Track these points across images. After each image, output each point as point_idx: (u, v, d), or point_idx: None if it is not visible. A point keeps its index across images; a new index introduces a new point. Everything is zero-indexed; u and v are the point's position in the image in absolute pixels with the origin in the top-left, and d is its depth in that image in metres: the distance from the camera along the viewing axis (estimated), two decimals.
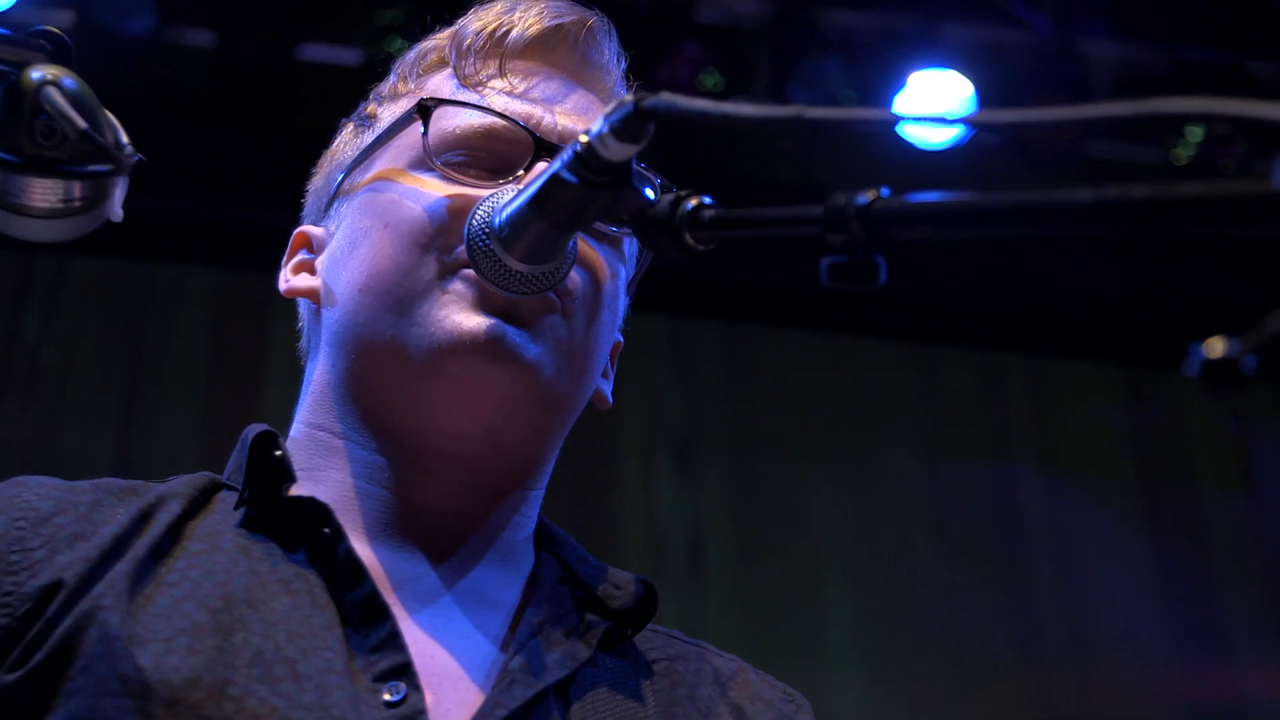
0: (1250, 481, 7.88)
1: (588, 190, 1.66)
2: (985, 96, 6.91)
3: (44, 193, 1.56)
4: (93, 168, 1.56)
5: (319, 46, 6.84)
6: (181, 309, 7.10)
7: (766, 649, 6.58)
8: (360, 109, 2.24)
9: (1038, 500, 7.60)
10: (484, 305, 1.89)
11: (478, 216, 1.83)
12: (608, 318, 2.04)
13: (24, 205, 1.57)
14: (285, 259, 2.18)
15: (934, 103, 6.84)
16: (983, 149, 7.21)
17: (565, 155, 1.66)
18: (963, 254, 6.96)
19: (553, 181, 1.68)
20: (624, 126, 1.59)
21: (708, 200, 1.61)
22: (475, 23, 2.13)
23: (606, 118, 1.60)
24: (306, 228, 2.19)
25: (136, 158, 1.58)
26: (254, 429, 1.99)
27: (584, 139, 1.63)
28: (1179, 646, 7.36)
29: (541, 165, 1.92)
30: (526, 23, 2.11)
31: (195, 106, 6.96)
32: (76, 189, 1.57)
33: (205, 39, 6.75)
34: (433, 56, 2.17)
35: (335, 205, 2.13)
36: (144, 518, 1.85)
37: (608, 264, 2.03)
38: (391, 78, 2.22)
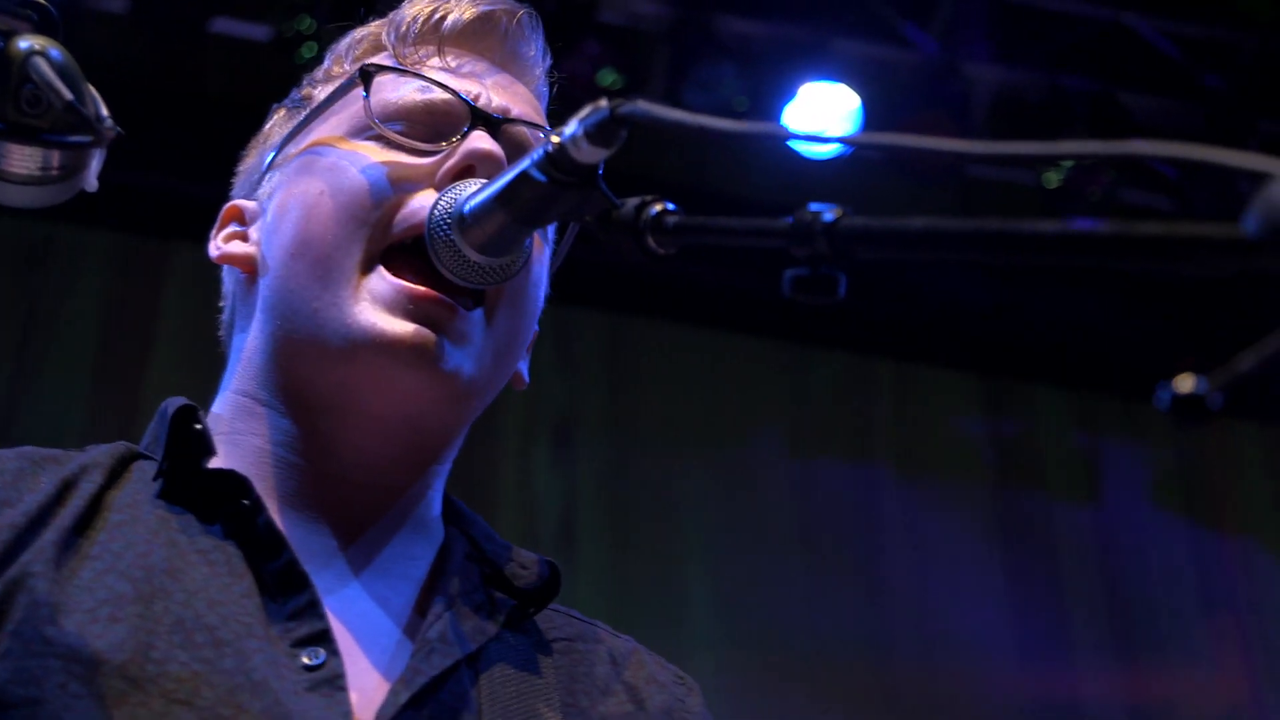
0: (1097, 494, 8.07)
1: (555, 189, 1.66)
2: (871, 111, 7.04)
3: (23, 159, 1.56)
4: (74, 138, 1.55)
5: (229, 20, 6.81)
6: (78, 269, 7.06)
7: (630, 628, 6.69)
8: (293, 93, 2.21)
9: (896, 501, 7.73)
10: (404, 310, 1.88)
11: (440, 205, 1.83)
12: (531, 309, 2.05)
13: (3, 170, 1.56)
14: (215, 231, 2.15)
15: (822, 114, 6.96)
16: (864, 161, 7.35)
17: (535, 154, 1.67)
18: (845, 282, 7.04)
19: (521, 178, 1.69)
20: (598, 131, 1.59)
21: (671, 206, 1.63)
22: (411, 9, 2.14)
23: (581, 121, 1.61)
24: (238, 201, 2.16)
25: (116, 131, 1.57)
26: (174, 402, 1.96)
27: (556, 139, 1.64)
28: (1023, 649, 7.52)
29: (481, 133, 1.97)
30: (461, 9, 2.12)
31: (103, 71, 6.88)
32: (55, 158, 1.57)
33: (118, 5, 6.71)
34: (368, 42, 2.17)
35: (268, 178, 2.11)
36: (66, 487, 1.83)
37: (538, 253, 2.04)
38: (326, 62, 2.21)
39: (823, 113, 6.97)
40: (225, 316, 2.17)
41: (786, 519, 7.52)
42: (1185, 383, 1.08)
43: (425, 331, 1.87)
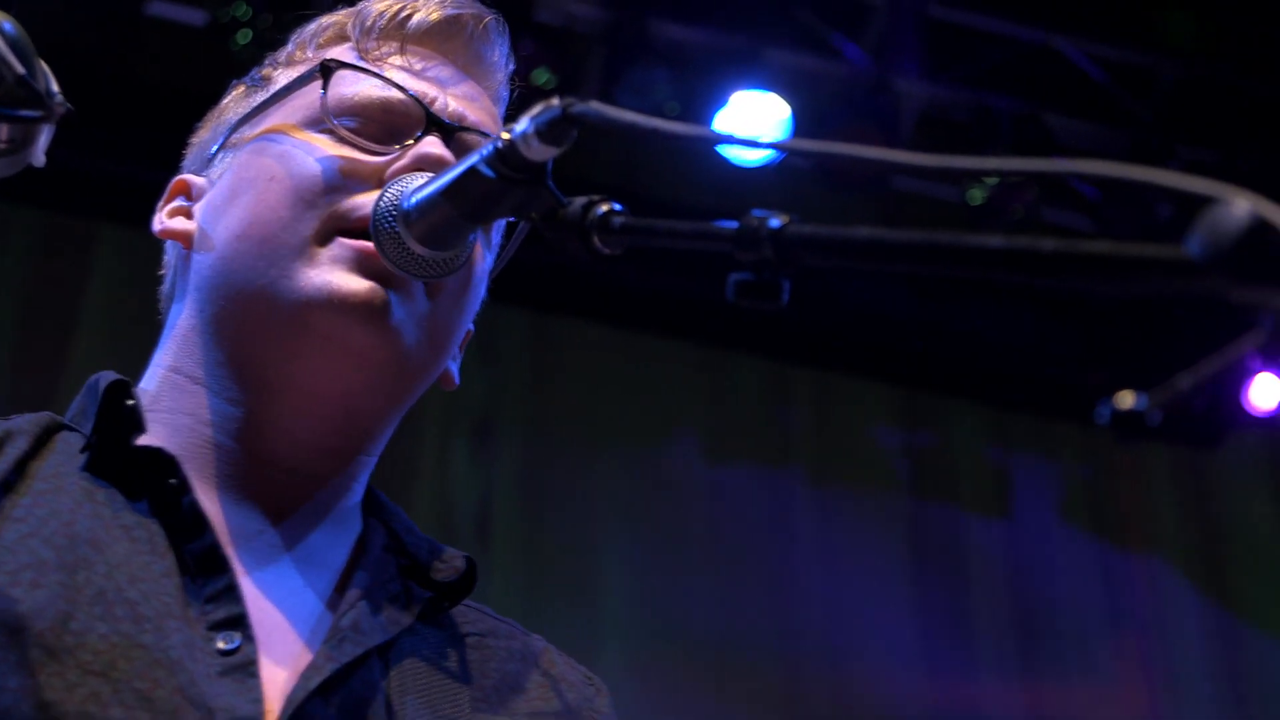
0: (1008, 509, 8.14)
1: (503, 186, 1.66)
2: (801, 121, 7.08)
3: None
4: (24, 112, 1.53)
5: (166, 4, 6.80)
6: (2, 247, 7.01)
7: (544, 623, 6.70)
8: (254, 72, 2.19)
9: (809, 508, 7.77)
10: (360, 269, 1.87)
11: (386, 197, 1.82)
12: (471, 301, 2.04)
13: None
14: (161, 203, 2.12)
15: (752, 122, 6.99)
16: (792, 171, 7.40)
17: (485, 150, 1.66)
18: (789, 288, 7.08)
19: (469, 173, 1.68)
20: (550, 129, 1.59)
21: (618, 207, 1.62)
22: (379, 3, 2.13)
23: (533, 118, 1.61)
24: (187, 176, 2.13)
25: (66, 107, 1.56)
26: (106, 376, 1.94)
27: (506, 136, 1.63)
28: (928, 659, 7.58)
29: (433, 139, 1.97)
30: (429, 9, 2.11)
31: (39, 51, 6.84)
32: (4, 131, 1.56)
33: None
34: (332, 30, 2.15)
35: (220, 157, 2.09)
36: None
37: (481, 250, 2.03)
38: (289, 46, 2.18)
39: (753, 121, 7.00)
40: (165, 287, 2.15)
41: (701, 521, 7.56)
42: (1126, 399, 1.10)
43: (378, 287, 1.87)
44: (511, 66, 2.20)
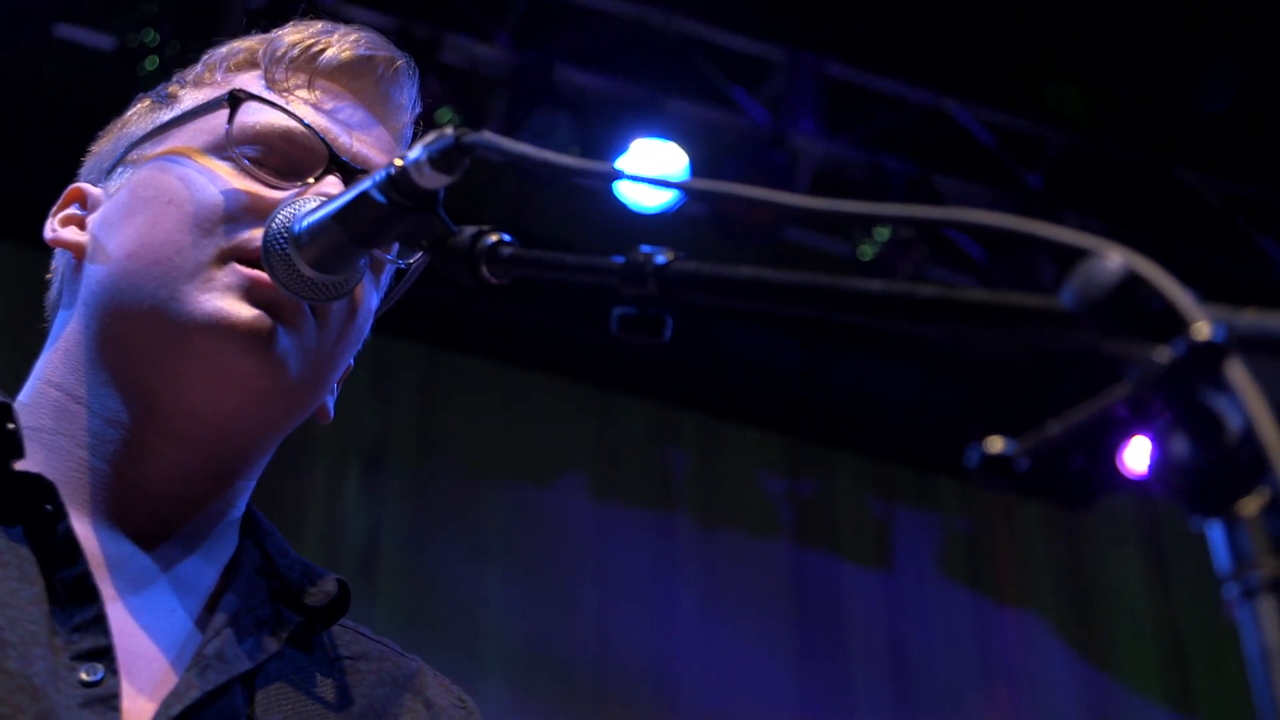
0: (888, 559, 8.19)
1: (394, 211, 1.65)
2: (698, 171, 7.11)
3: None
4: None
5: (73, 27, 6.73)
6: None
7: (428, 651, 6.66)
8: (160, 88, 2.15)
9: (693, 551, 7.78)
10: (250, 297, 1.85)
11: (278, 219, 1.80)
12: (355, 338, 2.01)
13: None
14: (54, 210, 2.09)
15: (651, 170, 7.01)
16: (687, 218, 7.42)
17: (378, 175, 1.66)
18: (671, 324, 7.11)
19: (361, 198, 1.68)
20: (442, 158, 1.59)
21: (507, 238, 1.62)
22: (292, 35, 2.11)
23: (426, 147, 1.60)
24: (83, 185, 2.10)
25: None
26: None
27: (399, 163, 1.63)
28: (804, 702, 7.59)
29: (333, 179, 1.93)
30: (341, 46, 2.09)
31: None
32: None
33: None
34: (243, 55, 2.12)
35: (119, 171, 2.06)
36: None
37: (368, 288, 2.01)
38: (199, 66, 2.15)
39: (651, 168, 7.03)
40: (51, 295, 2.11)
41: (585, 558, 7.55)
42: (995, 444, 1.10)
43: (265, 316, 1.85)
44: (418, 109, 2.19)
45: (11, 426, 1.85)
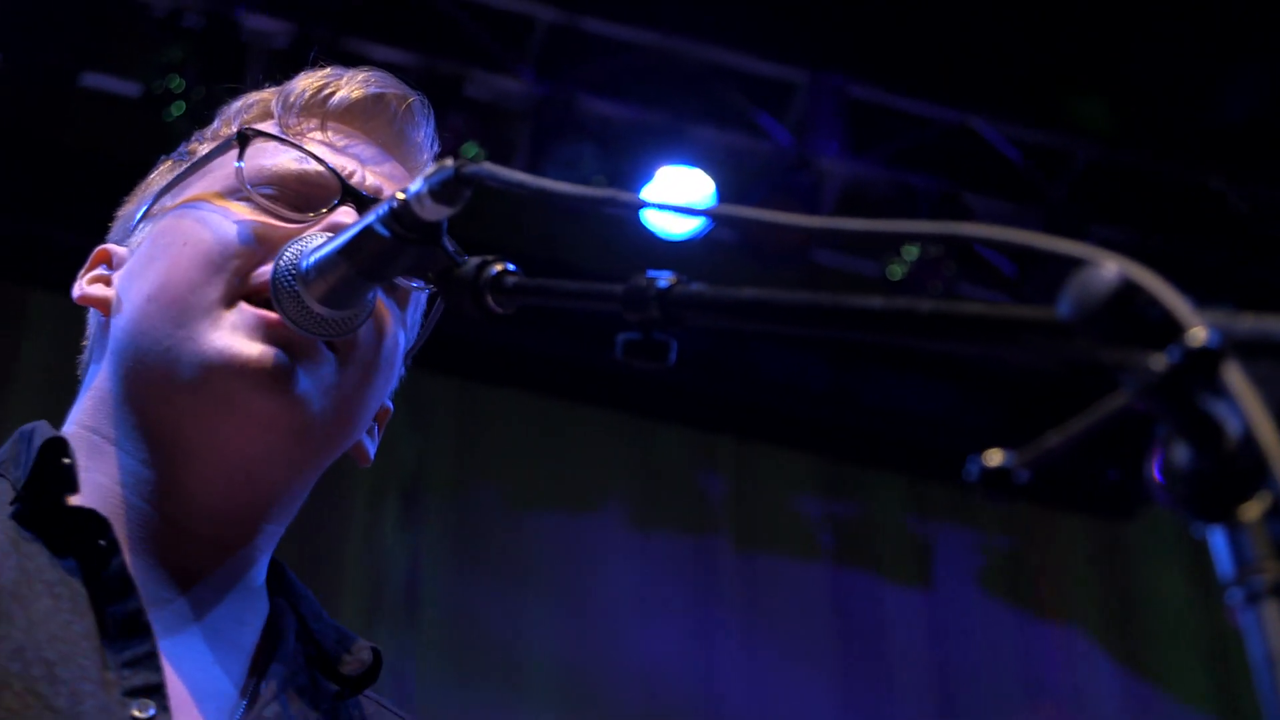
0: (929, 578, 8.15)
1: (398, 244, 1.66)
2: (724, 195, 7.11)
3: None
4: None
5: (99, 76, 6.77)
6: None
7: (471, 684, 6.68)
8: (181, 147, 2.17)
9: (733, 575, 7.77)
10: (263, 335, 1.84)
11: (286, 256, 1.81)
12: (383, 375, 2.00)
13: None
14: (83, 271, 2.10)
15: (678, 196, 7.02)
16: (715, 244, 7.42)
17: (381, 209, 1.66)
18: (681, 336, 7.13)
19: (365, 232, 1.68)
20: (443, 189, 1.60)
21: (511, 267, 1.62)
22: (304, 81, 2.12)
23: (427, 179, 1.61)
24: (109, 245, 2.12)
25: None
26: (42, 430, 1.91)
27: (401, 196, 1.63)
28: None
29: (347, 210, 1.94)
30: (351, 88, 2.10)
31: None
32: None
33: None
34: (258, 108, 2.14)
35: (141, 226, 2.07)
36: None
37: (393, 324, 1.99)
38: (215, 122, 2.17)
39: (678, 195, 7.03)
40: (84, 356, 2.11)
41: (625, 586, 7.54)
42: (994, 457, 1.09)
43: (279, 353, 1.85)
44: (436, 147, 2.18)
45: (67, 461, 1.86)
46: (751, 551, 7.85)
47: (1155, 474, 1.07)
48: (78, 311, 2.15)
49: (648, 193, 7.01)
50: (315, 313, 1.78)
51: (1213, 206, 8.07)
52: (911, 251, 7.43)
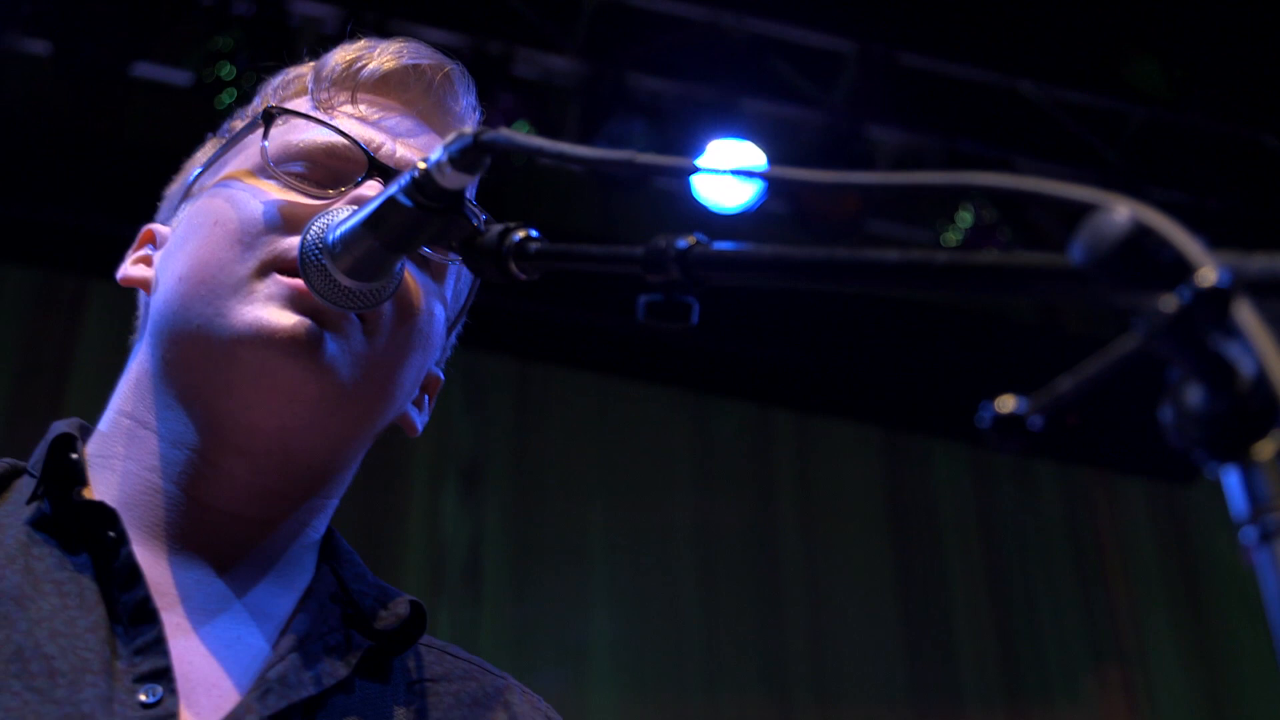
0: (990, 544, 8.13)
1: (420, 214, 1.66)
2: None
3: None
4: None
5: (151, 65, 6.81)
6: None
7: (534, 667, 6.69)
8: (224, 125, 2.19)
9: (795, 548, 7.76)
10: (292, 305, 1.85)
11: (312, 231, 1.81)
12: (418, 343, 1.99)
13: None
14: (130, 251, 2.13)
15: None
16: (769, 216, 7.41)
17: (402, 180, 1.66)
18: (738, 311, 7.13)
19: (388, 204, 1.68)
20: (462, 157, 1.60)
21: (534, 233, 1.62)
22: (338, 54, 2.12)
23: (446, 147, 1.61)
24: (155, 225, 2.14)
25: None
26: (59, 427, 1.95)
27: (421, 165, 1.63)
28: (915, 691, 7.56)
29: (373, 184, 1.94)
30: (383, 59, 2.10)
31: (25, 112, 6.90)
32: None
33: (41, 47, 6.69)
34: (296, 84, 2.14)
35: (183, 206, 2.09)
36: None
37: (424, 293, 1.99)
38: (255, 99, 2.18)
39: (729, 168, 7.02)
40: (134, 337, 2.14)
41: (688, 562, 7.54)
42: (1006, 403, 1.09)
43: (308, 322, 1.85)
44: (479, 115, 2.18)
45: (75, 456, 1.89)
46: (813, 523, 7.84)
47: (1167, 416, 1.07)
48: (134, 301, 2.17)
49: (642, 156, 7.00)
50: (343, 286, 1.79)
51: (1269, 165, 8.00)
52: (965, 218, 7.41)
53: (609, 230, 7.25)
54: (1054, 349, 8.14)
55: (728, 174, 1.46)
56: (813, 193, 7.14)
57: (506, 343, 7.46)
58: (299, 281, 1.86)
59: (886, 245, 7.41)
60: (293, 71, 2.17)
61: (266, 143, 2.01)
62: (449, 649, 2.06)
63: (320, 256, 1.79)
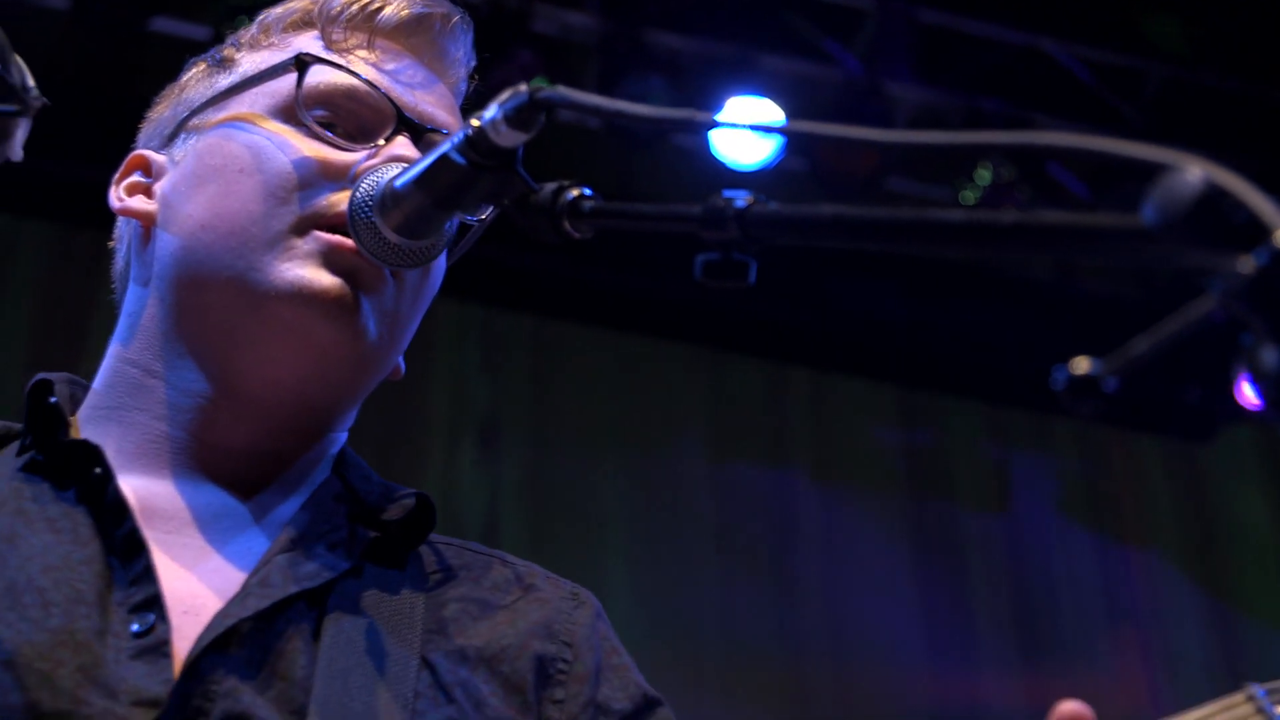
0: (1007, 503, 8.13)
1: (474, 172, 1.64)
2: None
3: None
4: (1, 107, 1.55)
5: (170, 20, 6.80)
6: (15, 257, 7.04)
7: None
8: (214, 51, 2.15)
9: (811, 506, 7.77)
10: (330, 265, 1.86)
11: (362, 188, 1.81)
12: (427, 295, 2.03)
13: None
14: (117, 178, 2.10)
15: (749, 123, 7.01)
16: (786, 173, 7.40)
17: (456, 138, 1.65)
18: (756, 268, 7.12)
19: (441, 161, 1.67)
20: (517, 115, 1.58)
21: (588, 191, 1.61)
22: None
23: (501, 105, 1.60)
24: (145, 152, 2.10)
25: (42, 101, 1.56)
26: (36, 378, 1.95)
27: (476, 123, 1.62)
28: (931, 651, 7.57)
29: (403, 139, 1.95)
30: (399, 5, 2.09)
31: (44, 66, 6.85)
32: None
33: (60, 2, 6.70)
34: (297, 16, 2.11)
35: (182, 137, 2.05)
36: None
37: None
38: (253, 29, 2.15)
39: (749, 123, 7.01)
40: (118, 264, 2.13)
41: (704, 520, 7.55)
42: (1081, 365, 1.08)
43: (347, 285, 1.86)
44: (473, 62, 2.18)
45: (54, 400, 1.91)
46: (829, 482, 7.84)
47: (1246, 379, 1.06)
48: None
49: (702, 113, 7.00)
50: (392, 243, 1.79)
51: None
52: (984, 176, 7.40)
53: (627, 187, 7.24)
54: (1070, 307, 8.12)
55: (782, 133, 1.45)
56: (836, 149, 7.11)
57: (523, 300, 7.46)
58: (341, 239, 1.87)
59: (907, 204, 7.43)
60: (294, 3, 2.14)
61: (301, 86, 1.99)
62: (469, 545, 2.08)
63: (370, 213, 1.79)
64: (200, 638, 1.68)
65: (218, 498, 1.90)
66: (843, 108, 7.35)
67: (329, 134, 1.97)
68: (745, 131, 1.51)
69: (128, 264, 2.09)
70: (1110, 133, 7.58)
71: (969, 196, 7.43)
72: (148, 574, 1.73)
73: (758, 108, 7.06)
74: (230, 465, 1.92)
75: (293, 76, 2.01)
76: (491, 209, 1.88)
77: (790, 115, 7.07)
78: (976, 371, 8.19)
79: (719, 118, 1.51)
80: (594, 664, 2.00)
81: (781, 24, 7.41)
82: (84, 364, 6.56)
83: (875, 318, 7.96)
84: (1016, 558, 7.99)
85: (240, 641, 1.70)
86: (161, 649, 1.67)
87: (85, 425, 1.97)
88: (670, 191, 7.29)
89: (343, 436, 2.06)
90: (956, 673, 7.58)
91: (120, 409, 1.95)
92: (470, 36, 2.17)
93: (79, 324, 6.74)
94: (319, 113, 1.99)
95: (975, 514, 8.02)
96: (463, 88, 2.17)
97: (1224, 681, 7.55)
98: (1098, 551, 8.13)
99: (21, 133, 1.59)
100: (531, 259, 7.03)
